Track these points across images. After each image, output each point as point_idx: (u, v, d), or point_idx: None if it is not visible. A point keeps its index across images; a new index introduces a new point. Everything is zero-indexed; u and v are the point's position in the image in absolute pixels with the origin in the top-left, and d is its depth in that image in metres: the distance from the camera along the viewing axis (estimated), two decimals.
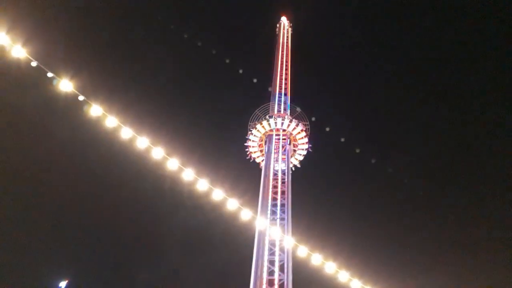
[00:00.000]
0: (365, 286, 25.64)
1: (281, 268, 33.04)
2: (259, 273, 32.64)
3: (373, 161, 61.75)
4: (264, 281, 32.46)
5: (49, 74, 23.02)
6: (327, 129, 51.79)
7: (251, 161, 44.23)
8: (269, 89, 47.65)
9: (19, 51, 22.12)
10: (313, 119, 46.76)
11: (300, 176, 44.63)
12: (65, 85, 23.28)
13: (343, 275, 25.97)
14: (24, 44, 22.40)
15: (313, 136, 43.67)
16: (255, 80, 56.75)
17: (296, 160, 44.04)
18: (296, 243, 27.42)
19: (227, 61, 65.59)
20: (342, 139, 56.32)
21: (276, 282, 32.35)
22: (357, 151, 59.12)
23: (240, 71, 62.06)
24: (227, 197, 26.07)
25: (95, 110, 23.95)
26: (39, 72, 22.76)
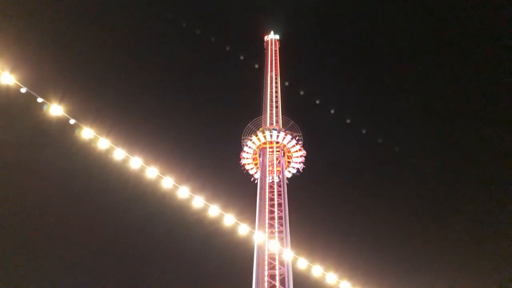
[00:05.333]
0: None
1: (282, 282, 32.67)
2: None
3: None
4: None
5: (39, 100, 22.91)
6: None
7: (249, 177, 44.27)
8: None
9: (7, 78, 22.00)
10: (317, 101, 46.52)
11: (298, 186, 44.59)
12: (56, 109, 23.15)
13: (345, 286, 25.73)
14: (12, 70, 22.30)
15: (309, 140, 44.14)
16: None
17: (289, 173, 43.95)
18: (296, 255, 27.15)
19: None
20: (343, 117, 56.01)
21: None
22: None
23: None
24: (224, 213, 25.82)
25: (86, 132, 23.79)
26: (29, 98, 22.63)
